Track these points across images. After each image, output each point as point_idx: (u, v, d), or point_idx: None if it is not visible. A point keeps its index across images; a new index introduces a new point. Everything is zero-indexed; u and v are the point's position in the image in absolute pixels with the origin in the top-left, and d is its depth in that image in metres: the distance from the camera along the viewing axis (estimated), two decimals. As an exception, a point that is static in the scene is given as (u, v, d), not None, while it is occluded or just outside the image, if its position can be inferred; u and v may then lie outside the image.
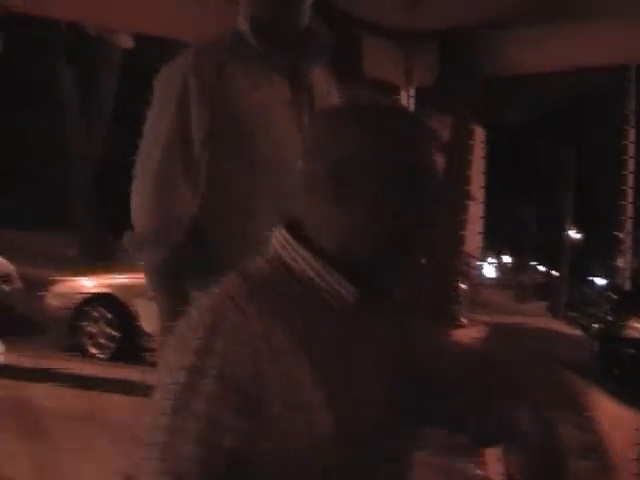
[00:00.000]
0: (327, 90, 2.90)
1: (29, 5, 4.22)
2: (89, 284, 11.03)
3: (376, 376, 1.56)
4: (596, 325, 12.12)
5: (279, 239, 1.55)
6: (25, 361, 8.54)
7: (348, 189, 1.49)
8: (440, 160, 1.54)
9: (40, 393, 8.37)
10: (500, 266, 45.32)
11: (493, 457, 2.96)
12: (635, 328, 9.33)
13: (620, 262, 9.79)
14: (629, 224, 8.75)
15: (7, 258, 13.16)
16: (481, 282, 28.33)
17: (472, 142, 4.81)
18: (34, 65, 21.02)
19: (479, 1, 4.26)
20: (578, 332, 12.16)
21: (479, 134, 4.95)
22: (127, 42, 4.51)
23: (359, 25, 4.40)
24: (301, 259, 1.52)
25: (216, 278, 1.54)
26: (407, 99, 5.00)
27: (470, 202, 4.97)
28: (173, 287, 2.70)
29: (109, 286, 10.84)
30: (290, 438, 1.43)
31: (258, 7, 2.72)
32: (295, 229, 1.55)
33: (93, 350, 10.69)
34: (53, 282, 11.44)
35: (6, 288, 12.45)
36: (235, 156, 2.69)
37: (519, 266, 42.55)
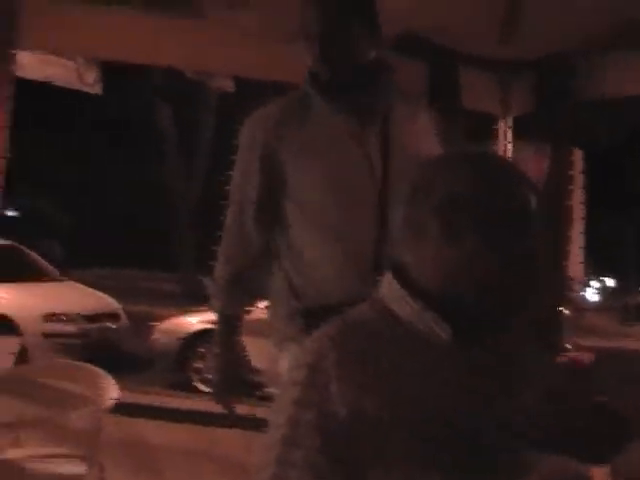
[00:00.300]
0: (409, 120, 2.93)
1: (130, 55, 4.42)
2: (195, 320, 11.21)
3: (475, 412, 1.60)
4: None
5: (385, 283, 1.63)
6: (133, 397, 8.73)
7: (454, 233, 1.53)
8: (535, 201, 1.58)
9: (150, 429, 8.56)
10: (604, 289, 44.50)
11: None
12: None
13: None
14: None
15: (113, 296, 13.50)
16: (585, 306, 27.90)
17: (571, 171, 4.85)
18: (133, 105, 21.59)
19: (573, 28, 4.29)
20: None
21: (577, 154, 4.99)
22: (228, 85, 4.65)
23: (456, 58, 4.48)
24: (402, 300, 1.58)
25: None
26: (505, 128, 5.05)
27: (571, 228, 4.99)
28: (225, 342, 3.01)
29: (214, 322, 11.00)
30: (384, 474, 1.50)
31: (315, 62, 2.79)
32: (401, 272, 1.60)
33: (200, 385, 10.86)
34: (159, 319, 11.68)
35: (113, 325, 12.74)
36: (307, 213, 2.81)
37: (623, 288, 41.72)
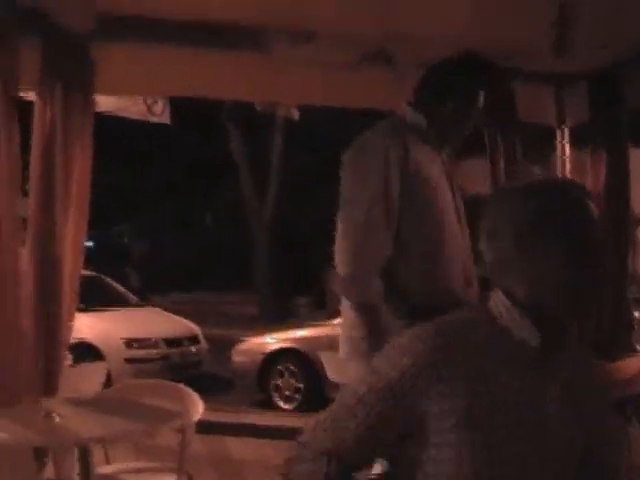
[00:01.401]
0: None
1: (199, 90, 4.64)
2: (273, 340, 11.42)
3: (558, 414, 1.82)
4: None
5: (494, 295, 1.87)
6: (216, 415, 8.98)
7: (534, 251, 1.79)
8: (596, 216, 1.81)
9: (233, 445, 8.80)
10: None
11: None
12: None
13: None
14: None
15: (191, 320, 13.78)
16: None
17: (628, 178, 4.97)
18: (205, 133, 21.95)
19: (624, 39, 4.39)
20: None
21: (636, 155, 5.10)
22: (294, 114, 4.86)
23: (512, 74, 4.63)
24: (502, 306, 1.82)
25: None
26: (561, 139, 5.17)
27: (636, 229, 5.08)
28: (375, 321, 3.16)
29: (292, 340, 11.20)
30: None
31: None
32: (507, 290, 1.84)
33: (280, 402, 11.06)
34: (238, 340, 11.90)
35: (193, 349, 13.02)
36: (420, 213, 3.30)
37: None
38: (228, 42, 4.23)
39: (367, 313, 3.17)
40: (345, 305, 3.31)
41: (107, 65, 3.91)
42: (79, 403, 3.78)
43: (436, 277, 3.31)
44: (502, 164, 4.82)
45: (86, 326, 11.47)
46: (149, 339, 12.46)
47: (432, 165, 3.36)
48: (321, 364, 9.31)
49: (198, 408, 3.98)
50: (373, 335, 3.13)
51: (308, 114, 5.52)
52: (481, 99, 3.44)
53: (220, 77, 4.54)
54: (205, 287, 24.55)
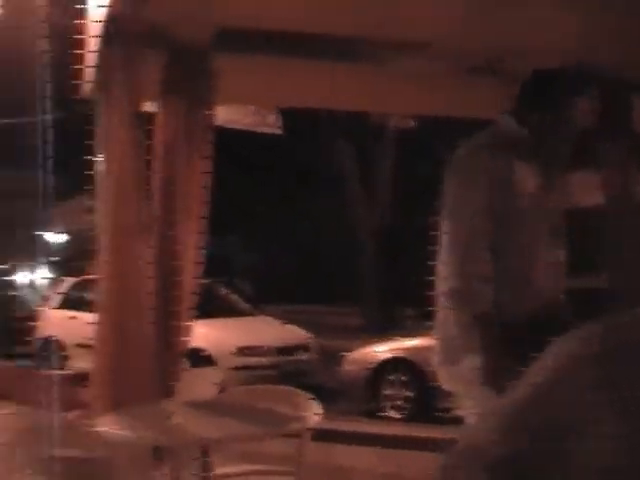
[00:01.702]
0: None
1: (314, 101, 4.72)
2: (383, 349, 11.45)
3: None
4: None
5: None
6: (328, 424, 9.04)
7: None
8: None
9: (344, 453, 8.87)
10: None
11: None
12: None
13: None
14: None
15: (304, 329, 13.90)
16: None
17: None
18: (310, 142, 22.15)
19: None
20: None
21: None
22: (408, 123, 4.89)
23: (627, 85, 4.57)
24: None
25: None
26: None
27: None
28: (487, 339, 3.13)
29: (402, 350, 11.21)
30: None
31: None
32: None
33: (390, 412, 11.08)
34: (348, 350, 11.96)
35: (304, 357, 13.13)
36: (513, 228, 3.28)
37: None
38: (342, 54, 4.30)
39: (483, 324, 3.17)
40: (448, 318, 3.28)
41: (224, 76, 4.01)
42: (197, 406, 3.88)
43: (525, 292, 3.30)
44: (615, 176, 4.75)
45: (199, 333, 11.66)
46: (261, 347, 12.63)
47: (531, 179, 3.35)
48: (432, 374, 9.31)
49: (315, 414, 4.02)
50: (489, 347, 3.13)
51: (419, 123, 5.57)
52: (587, 110, 3.40)
53: (334, 88, 4.61)
54: (315, 298, 24.70)
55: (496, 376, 2.99)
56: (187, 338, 3.96)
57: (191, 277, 3.86)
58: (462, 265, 3.18)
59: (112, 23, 3.50)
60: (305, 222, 28.64)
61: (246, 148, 20.42)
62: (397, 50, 4.16)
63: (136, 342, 3.62)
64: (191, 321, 3.98)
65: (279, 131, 8.64)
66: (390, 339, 11.92)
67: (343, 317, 22.34)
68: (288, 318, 14.71)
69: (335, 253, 25.72)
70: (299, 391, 4.29)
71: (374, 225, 21.45)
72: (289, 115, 7.64)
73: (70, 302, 14.74)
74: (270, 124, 8.41)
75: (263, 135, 8.87)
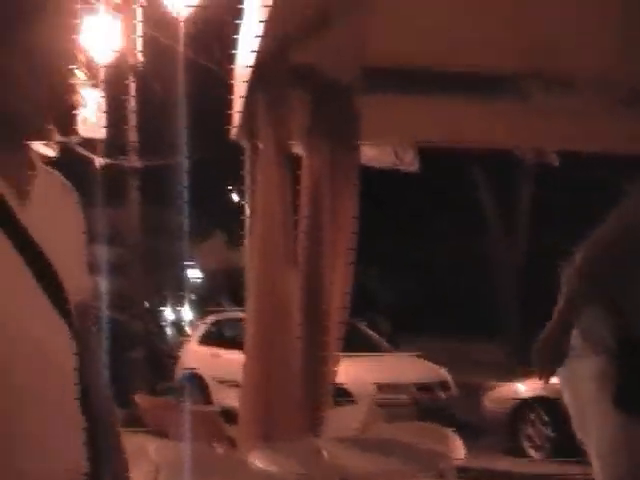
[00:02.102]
0: None
1: (458, 138, 4.73)
2: (524, 387, 11.26)
3: None
4: None
5: None
6: (469, 461, 8.93)
7: None
8: None
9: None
10: None
11: None
12: None
13: None
14: None
15: (443, 366, 13.79)
16: None
17: None
18: (448, 176, 22.13)
19: None
20: None
21: None
22: (553, 159, 4.86)
23: None
24: None
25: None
26: None
27: None
28: None
29: (544, 388, 10.99)
30: None
31: None
32: None
33: (531, 451, 10.87)
34: (487, 388, 11.81)
35: (443, 395, 13.02)
36: None
37: None
38: (486, 90, 4.31)
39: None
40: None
41: (366, 115, 4.06)
42: (344, 442, 3.91)
43: None
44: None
45: (339, 370, 11.73)
46: (400, 384, 12.58)
47: None
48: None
49: (460, 451, 3.99)
50: None
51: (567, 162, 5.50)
52: None
53: (476, 124, 4.62)
54: (454, 334, 24.50)
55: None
56: (335, 369, 4.01)
57: (339, 308, 3.91)
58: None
59: (259, 67, 3.60)
60: (444, 256, 28.49)
61: (383, 183, 20.55)
62: (541, 85, 4.14)
63: (285, 375, 3.68)
64: (338, 351, 4.03)
65: (416, 169, 8.67)
66: (530, 376, 11.71)
67: (483, 353, 22.10)
68: (426, 354, 14.63)
69: (475, 289, 25.49)
70: (443, 428, 4.28)
71: (512, 259, 21.22)
72: (426, 149, 7.67)
73: (211, 338, 15.07)
74: (407, 162, 8.46)
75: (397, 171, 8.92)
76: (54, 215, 1.65)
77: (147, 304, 18.73)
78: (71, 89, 1.56)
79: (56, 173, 1.70)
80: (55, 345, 1.54)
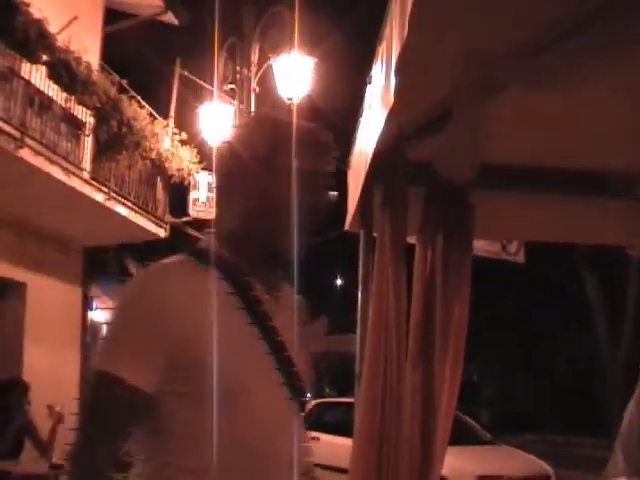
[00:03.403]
0: None
1: (564, 234, 4.73)
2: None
3: None
4: None
5: None
6: None
7: None
8: None
9: None
10: None
11: None
12: None
13: None
14: None
15: (546, 460, 13.53)
16: None
17: None
18: (556, 273, 21.91)
19: None
20: None
21: None
22: (655, 254, 4.89)
23: None
24: None
25: None
26: None
27: None
28: None
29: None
30: None
31: None
32: None
33: None
34: (591, 482, 11.54)
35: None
36: None
37: None
38: (597, 188, 4.33)
39: None
40: None
41: (479, 211, 4.11)
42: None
43: None
44: None
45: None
46: (501, 476, 12.37)
47: None
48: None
49: None
50: None
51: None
52: None
53: (587, 223, 4.63)
54: (557, 429, 24.01)
55: None
56: (441, 465, 4.01)
57: (448, 408, 3.92)
58: None
59: (377, 160, 3.70)
60: (548, 353, 28.04)
61: (489, 274, 20.49)
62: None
63: (395, 464, 3.69)
64: (446, 448, 4.02)
65: (521, 260, 8.65)
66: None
67: (590, 449, 21.61)
68: (530, 447, 14.35)
69: (581, 385, 25.00)
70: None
71: (622, 358, 20.82)
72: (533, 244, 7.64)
73: (312, 422, 15.09)
74: (512, 252, 8.45)
75: (506, 262, 8.89)
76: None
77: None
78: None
79: None
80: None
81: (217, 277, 2.10)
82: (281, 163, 2.12)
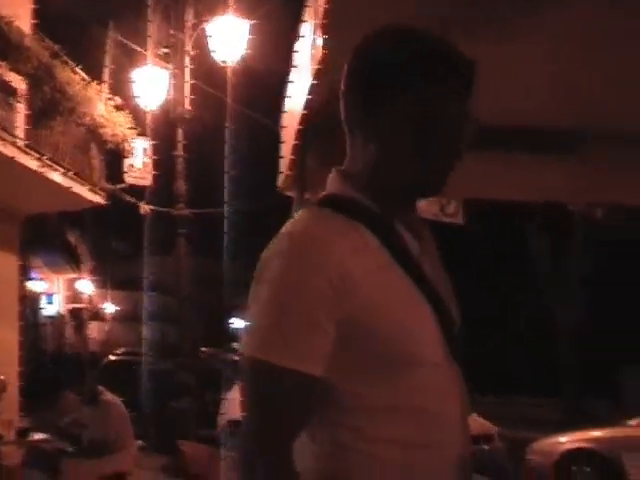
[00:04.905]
0: None
1: (512, 193, 4.74)
2: (568, 439, 11.18)
3: None
4: None
5: None
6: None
7: None
8: None
9: None
10: None
11: None
12: None
13: None
14: None
15: (494, 422, 13.71)
16: None
17: None
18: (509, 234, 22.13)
19: None
20: None
21: None
22: (597, 213, 4.92)
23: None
24: None
25: None
26: None
27: None
28: None
29: (588, 441, 10.92)
30: None
31: None
32: None
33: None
34: (533, 440, 11.75)
35: (486, 447, 12.92)
36: None
37: None
38: (536, 145, 4.33)
39: None
40: None
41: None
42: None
43: None
44: None
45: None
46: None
47: None
48: (617, 465, 9.04)
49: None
50: None
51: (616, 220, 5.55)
52: None
53: (527, 180, 4.64)
54: (513, 390, 24.37)
55: None
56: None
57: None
58: None
59: (309, 120, 3.67)
60: (497, 313, 28.35)
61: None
62: (599, 141, 4.16)
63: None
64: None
65: (460, 221, 8.71)
66: (578, 429, 11.63)
67: (542, 410, 21.96)
68: (476, 408, 14.50)
69: (533, 344, 25.34)
70: (480, 477, 4.26)
71: (570, 319, 21.11)
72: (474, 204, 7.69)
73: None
74: (450, 214, 8.51)
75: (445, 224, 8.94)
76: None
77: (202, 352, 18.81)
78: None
79: None
80: None
81: (367, 231, 1.88)
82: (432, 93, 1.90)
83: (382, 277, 1.84)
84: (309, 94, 3.42)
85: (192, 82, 16.45)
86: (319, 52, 3.08)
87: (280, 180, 4.66)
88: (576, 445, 10.97)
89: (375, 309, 1.81)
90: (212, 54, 14.42)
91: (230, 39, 13.88)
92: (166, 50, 16.17)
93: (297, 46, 3.76)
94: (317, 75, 3.20)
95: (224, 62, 14.24)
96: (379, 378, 1.84)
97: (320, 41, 3.04)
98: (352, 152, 2.03)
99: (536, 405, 22.70)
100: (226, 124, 16.84)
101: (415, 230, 2.00)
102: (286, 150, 4.41)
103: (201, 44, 15.45)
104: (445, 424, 1.90)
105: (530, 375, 23.85)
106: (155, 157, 16.05)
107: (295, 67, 3.93)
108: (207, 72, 16.14)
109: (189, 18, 16.09)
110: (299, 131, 3.79)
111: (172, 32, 16.08)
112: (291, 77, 4.15)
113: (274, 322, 1.80)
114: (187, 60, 15.98)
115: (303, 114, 3.61)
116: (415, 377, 1.87)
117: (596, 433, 10.94)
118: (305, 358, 1.78)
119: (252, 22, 14.25)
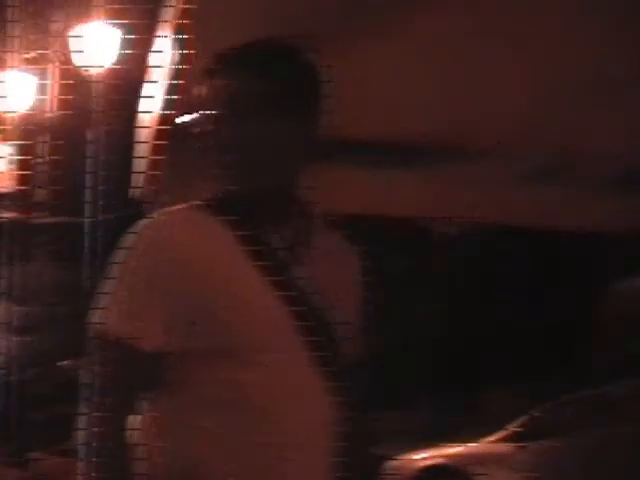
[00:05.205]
0: None
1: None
2: (423, 456, 11.30)
3: None
4: None
5: None
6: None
7: None
8: None
9: None
10: None
11: None
12: None
13: None
14: None
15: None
16: None
17: None
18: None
19: None
20: None
21: None
22: (453, 229, 4.93)
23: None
24: None
25: None
26: None
27: None
28: None
29: (443, 457, 11.06)
30: None
31: None
32: None
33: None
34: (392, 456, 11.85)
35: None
36: None
37: None
38: (395, 161, 4.30)
39: None
40: None
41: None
42: None
43: None
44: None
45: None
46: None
47: None
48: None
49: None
50: None
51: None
52: None
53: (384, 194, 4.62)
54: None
55: None
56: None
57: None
58: None
59: (161, 129, 3.61)
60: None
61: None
62: (457, 155, 4.15)
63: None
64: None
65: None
66: (433, 445, 11.76)
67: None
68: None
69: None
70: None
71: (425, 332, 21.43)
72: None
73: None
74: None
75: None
76: None
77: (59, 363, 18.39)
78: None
79: None
80: None
81: (225, 226, 1.98)
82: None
83: (223, 268, 1.94)
84: (168, 95, 3.37)
85: (59, 86, 16.12)
86: (178, 52, 3.05)
87: (136, 181, 4.55)
88: (431, 462, 11.09)
89: (203, 293, 1.92)
90: (78, 59, 14.18)
91: (97, 44, 13.67)
92: (32, 54, 15.81)
93: (157, 46, 3.69)
94: (177, 75, 3.15)
95: (89, 67, 14.00)
96: (204, 363, 1.91)
97: (180, 41, 3.00)
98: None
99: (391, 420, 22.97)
100: (90, 133, 16.55)
101: (298, 239, 2.06)
102: (145, 151, 4.31)
103: (68, 49, 15.18)
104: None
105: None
106: (18, 164, 15.64)
107: (155, 67, 3.85)
108: (74, 76, 15.87)
109: (57, 22, 15.79)
110: (158, 132, 3.71)
111: (38, 36, 15.74)
112: (152, 77, 4.07)
113: (111, 294, 1.93)
114: (54, 64, 15.68)
115: (163, 115, 3.54)
116: (245, 367, 1.89)
117: (452, 450, 11.08)
118: (132, 328, 1.89)
119: (120, 26, 14.08)
